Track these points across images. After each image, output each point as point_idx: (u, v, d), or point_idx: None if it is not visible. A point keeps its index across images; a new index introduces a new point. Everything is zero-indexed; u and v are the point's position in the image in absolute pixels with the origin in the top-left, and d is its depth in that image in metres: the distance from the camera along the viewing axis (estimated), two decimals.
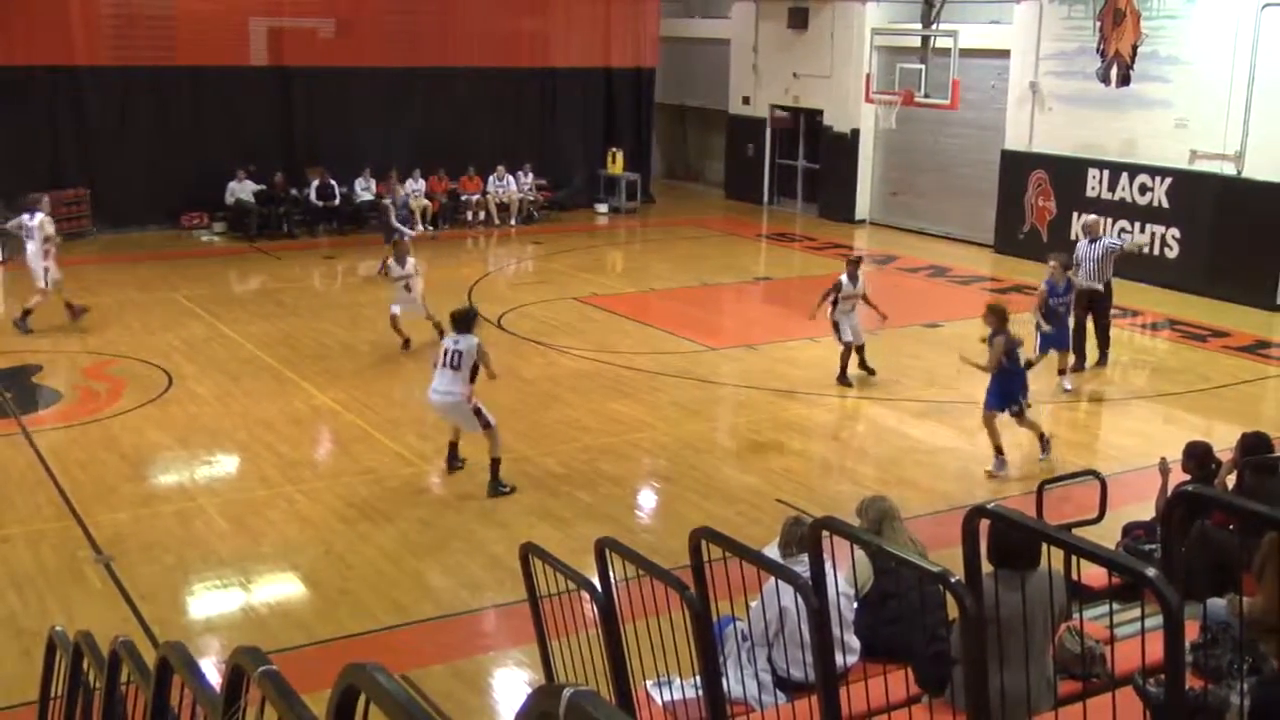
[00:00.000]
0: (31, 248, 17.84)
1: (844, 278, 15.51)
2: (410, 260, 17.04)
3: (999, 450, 12.61)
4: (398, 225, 21.79)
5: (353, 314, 19.31)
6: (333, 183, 26.27)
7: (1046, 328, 15.14)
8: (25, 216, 17.98)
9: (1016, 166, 24.42)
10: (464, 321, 12.08)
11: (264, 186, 25.73)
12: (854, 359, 15.73)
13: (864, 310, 15.63)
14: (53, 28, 24.17)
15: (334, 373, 16.07)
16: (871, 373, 15.89)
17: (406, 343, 17.00)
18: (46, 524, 11.18)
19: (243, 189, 25.77)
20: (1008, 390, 12.60)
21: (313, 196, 26.15)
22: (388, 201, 24.07)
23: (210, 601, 10.03)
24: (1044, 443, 12.85)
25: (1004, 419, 12.69)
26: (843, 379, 15.64)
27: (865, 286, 15.70)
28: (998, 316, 12.47)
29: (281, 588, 10.23)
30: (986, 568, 5.14)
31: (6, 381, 15.48)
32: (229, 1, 25.75)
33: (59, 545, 10.74)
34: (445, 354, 11.94)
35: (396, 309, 16.96)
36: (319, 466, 13.10)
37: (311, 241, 25.42)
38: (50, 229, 17.96)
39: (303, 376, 15.85)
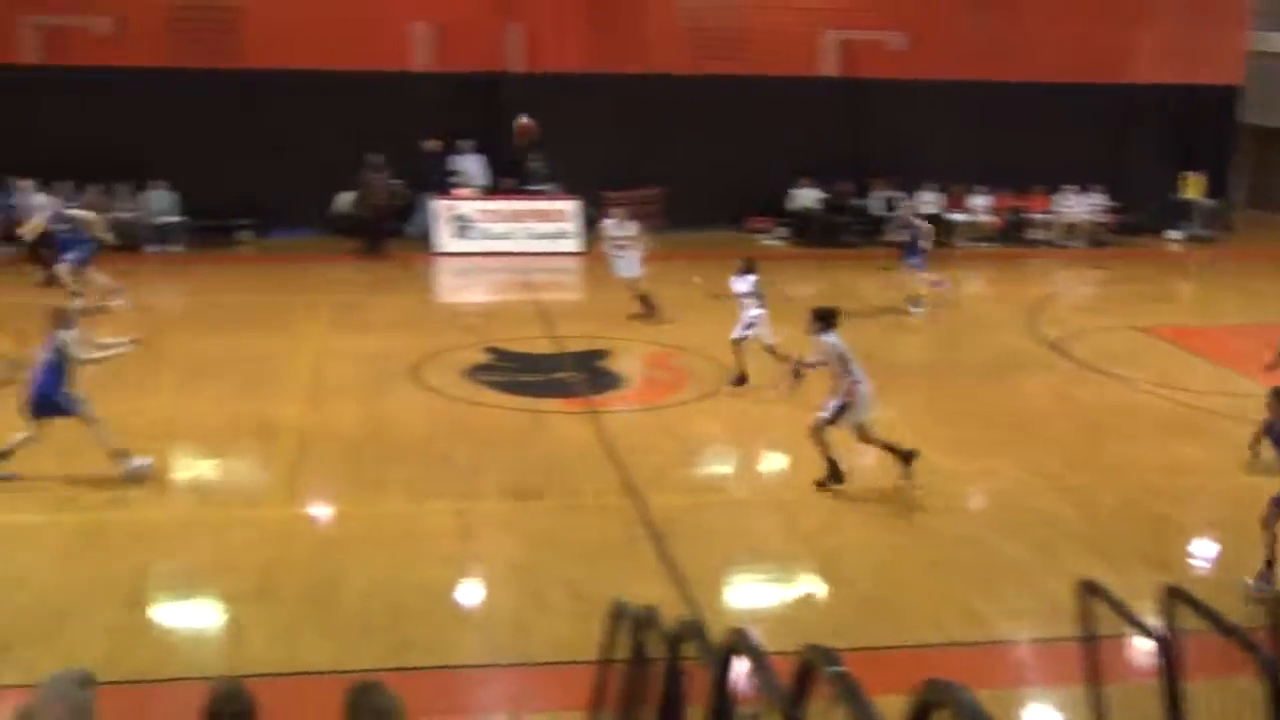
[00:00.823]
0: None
1: None
2: (752, 279, 15.70)
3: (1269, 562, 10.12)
4: (911, 256, 20.41)
5: (902, 324, 19.30)
6: (896, 195, 26.35)
7: None
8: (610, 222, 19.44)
9: None
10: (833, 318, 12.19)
11: (828, 194, 26.20)
12: None
13: None
14: (633, 37, 25.71)
15: (882, 381, 15.99)
16: None
17: (742, 378, 15.62)
18: (608, 499, 11.85)
19: (806, 196, 26.35)
20: None
21: (876, 207, 26.35)
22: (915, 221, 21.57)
23: (753, 593, 10.28)
24: None
25: None
26: None
27: None
28: None
29: (822, 589, 10.30)
30: None
31: (578, 363, 16.54)
32: (803, 15, 26.40)
33: (618, 520, 11.34)
34: (850, 353, 11.99)
35: (746, 332, 15.65)
36: (866, 474, 13.12)
37: (870, 252, 25.57)
38: (611, 231, 19.26)
39: None
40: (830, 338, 12.11)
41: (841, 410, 12.01)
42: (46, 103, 24.08)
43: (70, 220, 19.30)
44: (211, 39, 24.84)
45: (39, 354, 11.98)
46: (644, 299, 19.09)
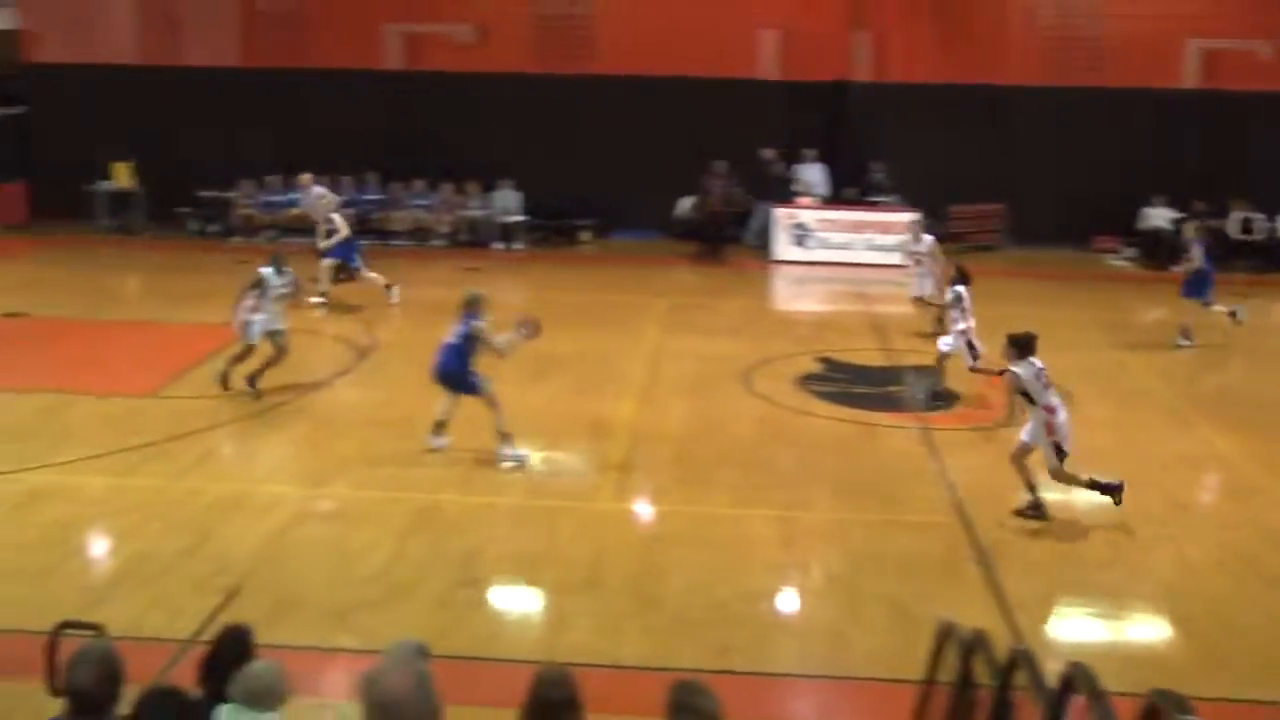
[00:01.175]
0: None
1: None
2: (958, 289, 15.63)
3: None
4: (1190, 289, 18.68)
5: (1261, 359, 18.22)
6: (1258, 216, 24.85)
7: None
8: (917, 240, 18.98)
9: None
10: (1029, 346, 11.54)
11: (1182, 214, 24.92)
12: None
13: None
14: (983, 47, 25.10)
15: (1239, 417, 15.14)
16: None
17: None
18: (935, 517, 11.62)
19: (1158, 215, 25.17)
20: None
21: (1233, 229, 24.91)
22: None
23: (1079, 626, 9.87)
24: None
25: None
26: None
27: None
28: None
29: (1155, 631, 9.80)
30: None
31: (915, 378, 16.26)
32: (1164, 23, 25.12)
33: (944, 540, 11.11)
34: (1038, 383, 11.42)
35: (949, 348, 15.65)
36: (1208, 513, 12.44)
37: (1223, 277, 24.16)
38: (908, 246, 18.75)
39: (1203, 417, 15.12)
40: (1019, 367, 11.48)
41: (1059, 450, 11.38)
42: (405, 106, 25.43)
43: (333, 222, 20.17)
44: (567, 46, 25.67)
45: (447, 336, 12.72)
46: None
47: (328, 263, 19.83)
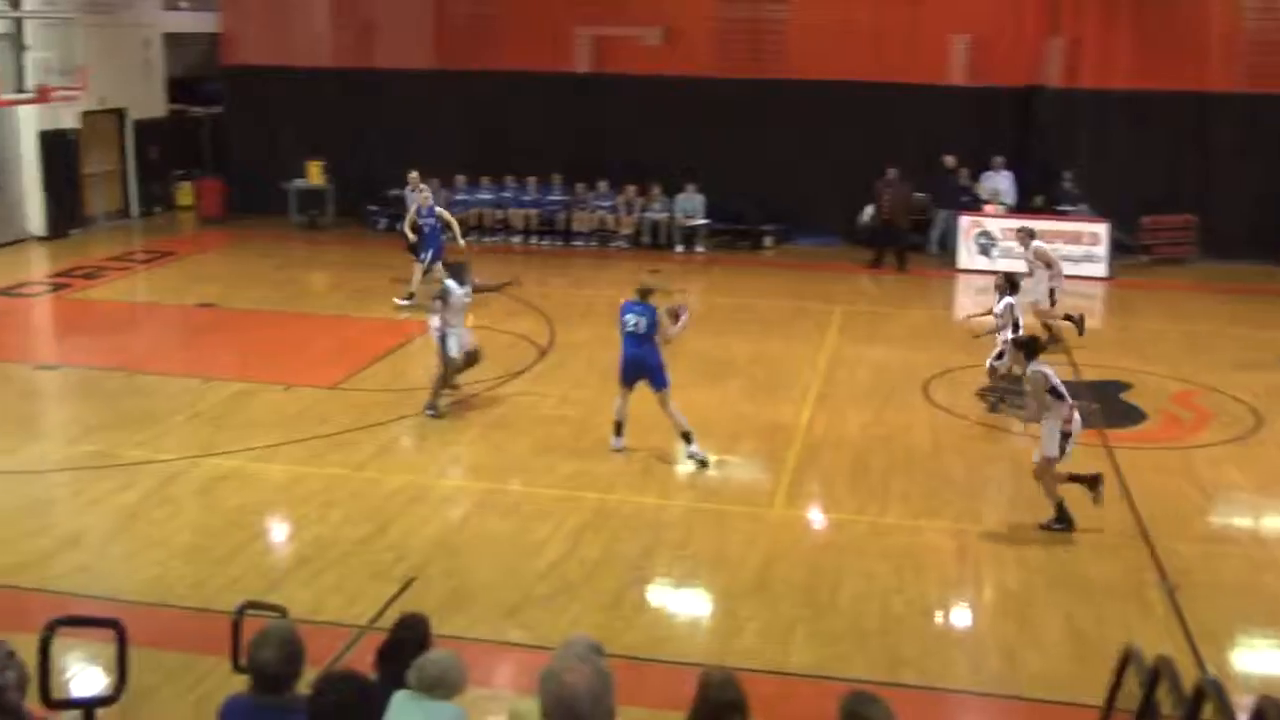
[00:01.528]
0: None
1: None
2: (1007, 301, 15.04)
3: None
4: None
5: None
6: None
7: None
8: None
9: None
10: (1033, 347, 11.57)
11: None
12: None
13: None
14: (1185, 53, 24.18)
15: None
16: None
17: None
18: (1116, 537, 11.26)
19: None
20: None
21: None
22: None
23: (1269, 658, 9.49)
24: None
25: None
26: None
27: None
28: None
29: None
30: None
31: (1097, 393, 15.79)
32: None
33: (1124, 560, 10.78)
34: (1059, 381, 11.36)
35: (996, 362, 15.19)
36: None
37: None
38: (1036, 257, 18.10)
39: None
40: (1036, 366, 11.30)
41: (1066, 440, 11.17)
42: (591, 107, 25.66)
43: (435, 217, 20.19)
44: (754, 49, 25.59)
45: (626, 327, 12.88)
46: (1068, 316, 18.05)
47: (441, 269, 19.81)
